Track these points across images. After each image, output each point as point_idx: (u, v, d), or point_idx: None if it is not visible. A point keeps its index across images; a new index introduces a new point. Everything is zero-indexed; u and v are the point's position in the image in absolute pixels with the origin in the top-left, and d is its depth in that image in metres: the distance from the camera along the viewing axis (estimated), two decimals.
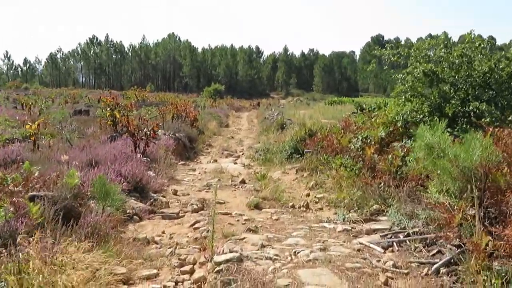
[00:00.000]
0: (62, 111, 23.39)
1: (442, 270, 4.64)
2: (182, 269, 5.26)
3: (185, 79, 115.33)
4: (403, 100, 8.95)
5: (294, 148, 12.91)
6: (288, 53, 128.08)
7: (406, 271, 4.75)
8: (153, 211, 7.59)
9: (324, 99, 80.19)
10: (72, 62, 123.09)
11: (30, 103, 23.65)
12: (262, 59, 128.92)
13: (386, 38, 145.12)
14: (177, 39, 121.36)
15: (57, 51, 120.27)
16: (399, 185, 7.25)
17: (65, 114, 22.86)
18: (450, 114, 8.27)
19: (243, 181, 10.71)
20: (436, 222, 5.53)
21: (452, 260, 4.72)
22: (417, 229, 5.72)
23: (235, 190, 9.87)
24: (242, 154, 17.81)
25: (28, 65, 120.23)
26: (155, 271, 5.21)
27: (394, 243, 5.59)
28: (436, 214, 5.59)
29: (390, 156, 7.95)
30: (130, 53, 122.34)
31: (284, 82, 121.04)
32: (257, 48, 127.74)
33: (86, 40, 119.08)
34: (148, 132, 10.51)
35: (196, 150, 18.71)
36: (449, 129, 6.76)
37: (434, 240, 5.34)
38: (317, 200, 8.85)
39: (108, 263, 4.77)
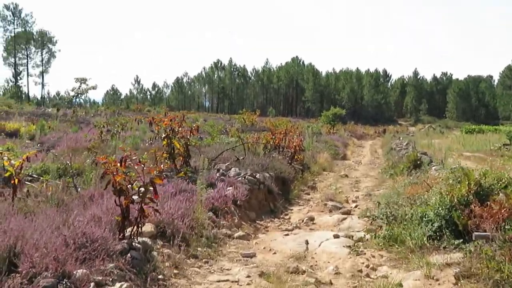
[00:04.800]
0: (135, 138, 18.88)
1: None
2: None
3: (307, 104, 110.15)
4: None
5: (446, 220, 6.77)
6: (418, 77, 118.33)
7: None
8: None
9: (458, 127, 71.45)
10: (197, 86, 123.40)
11: (102, 125, 19.61)
12: (389, 83, 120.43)
13: None
14: (300, 62, 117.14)
15: (183, 75, 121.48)
16: None
17: (137, 141, 18.36)
18: None
19: None
20: None
21: None
22: None
23: None
24: (355, 207, 11.89)
25: (156, 89, 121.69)
26: None
27: None
28: None
29: None
30: (252, 77, 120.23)
31: (413, 108, 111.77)
32: (385, 71, 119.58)
33: (211, 64, 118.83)
34: (142, 189, 5.09)
35: (289, 197, 13.10)
36: None
37: None
38: None
39: None
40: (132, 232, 5.32)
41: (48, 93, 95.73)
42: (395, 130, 60.58)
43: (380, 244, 7.08)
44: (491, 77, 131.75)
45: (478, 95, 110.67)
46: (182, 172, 11.08)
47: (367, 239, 7.51)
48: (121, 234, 5.31)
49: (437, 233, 6.79)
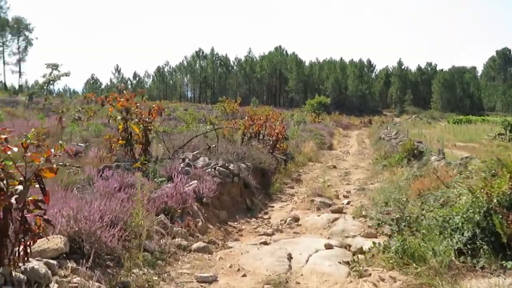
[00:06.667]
0: (98, 125, 16.78)
1: None
2: None
3: (291, 94, 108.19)
4: None
5: (482, 228, 4.91)
6: (403, 67, 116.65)
7: None
8: None
9: (444, 118, 70.22)
10: (178, 76, 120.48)
11: (60, 111, 17.52)
12: (374, 74, 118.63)
13: None
14: (283, 52, 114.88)
15: (165, 64, 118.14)
16: None
17: (100, 128, 16.31)
18: None
19: None
20: None
21: None
22: None
23: None
24: (348, 204, 10.05)
25: (137, 78, 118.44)
26: None
27: None
28: None
29: None
30: (235, 67, 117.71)
31: (398, 99, 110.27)
32: (369, 61, 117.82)
33: (193, 53, 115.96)
34: (21, 188, 3.17)
35: (270, 192, 11.22)
36: None
37: None
38: None
39: None
40: (14, 255, 3.37)
41: (26, 82, 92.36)
42: (381, 121, 59.00)
43: (390, 261, 5.15)
44: (475, 68, 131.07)
45: (462, 86, 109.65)
46: (139, 162, 9.14)
47: (372, 254, 5.56)
48: None
49: (469, 247, 4.93)
